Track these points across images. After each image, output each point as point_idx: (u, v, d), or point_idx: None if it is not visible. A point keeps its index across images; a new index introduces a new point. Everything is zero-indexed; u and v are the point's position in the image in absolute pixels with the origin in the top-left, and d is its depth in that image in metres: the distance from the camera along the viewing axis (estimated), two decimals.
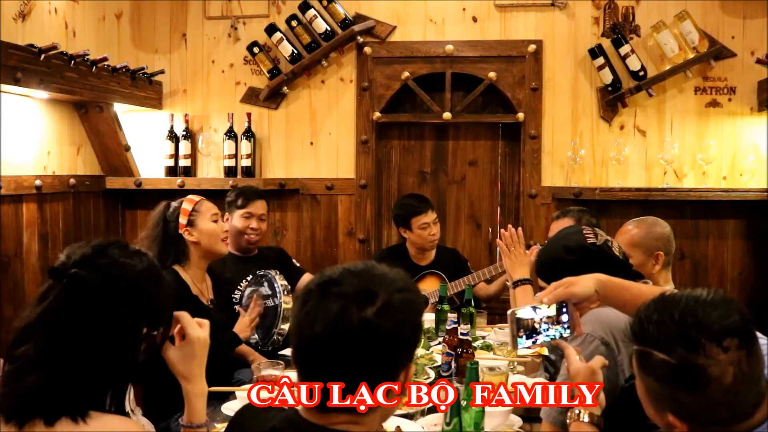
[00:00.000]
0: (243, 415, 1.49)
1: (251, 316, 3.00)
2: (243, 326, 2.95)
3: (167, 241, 2.86)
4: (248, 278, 3.46)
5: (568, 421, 1.70)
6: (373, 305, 1.22)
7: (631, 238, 2.75)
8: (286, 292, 3.04)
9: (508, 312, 1.78)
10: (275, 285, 3.16)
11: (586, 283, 1.78)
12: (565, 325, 1.78)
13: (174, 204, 2.94)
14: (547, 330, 1.76)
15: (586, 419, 1.66)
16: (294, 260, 3.72)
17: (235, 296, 3.38)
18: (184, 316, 1.58)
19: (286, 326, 2.95)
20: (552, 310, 1.77)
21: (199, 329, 1.60)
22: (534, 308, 1.76)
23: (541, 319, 1.76)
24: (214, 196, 3.24)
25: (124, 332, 1.36)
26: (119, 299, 1.34)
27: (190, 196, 2.96)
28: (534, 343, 1.78)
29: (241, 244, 3.50)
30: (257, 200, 3.52)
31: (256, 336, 3.21)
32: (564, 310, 1.77)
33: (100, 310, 1.32)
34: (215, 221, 2.93)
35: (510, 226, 3.15)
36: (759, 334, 1.41)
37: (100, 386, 1.35)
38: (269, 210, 3.70)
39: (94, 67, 3.63)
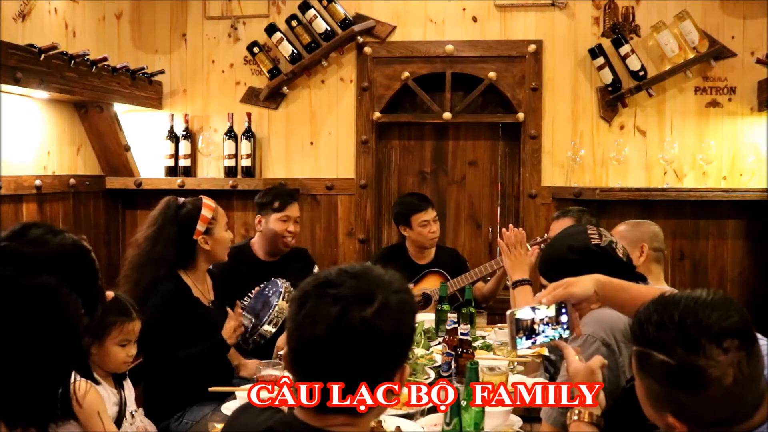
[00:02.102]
0: (239, 415, 1.49)
1: (234, 323, 2.88)
2: (228, 331, 2.85)
3: (180, 244, 2.82)
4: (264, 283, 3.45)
5: (567, 421, 1.70)
6: (372, 306, 1.23)
7: (619, 233, 2.80)
8: (284, 298, 3.01)
9: (507, 313, 1.78)
10: (279, 290, 3.15)
11: (585, 283, 1.78)
12: (565, 326, 1.78)
13: (188, 205, 2.87)
14: (546, 331, 1.76)
15: (586, 419, 1.66)
16: (316, 268, 3.63)
17: (244, 303, 3.37)
18: None
19: (270, 328, 2.92)
20: (551, 311, 1.76)
21: None
22: (533, 309, 1.76)
23: (540, 320, 1.76)
24: (214, 196, 3.23)
25: (64, 305, 1.23)
26: (53, 268, 1.25)
27: (206, 201, 2.90)
28: (533, 343, 1.78)
29: (277, 246, 3.50)
30: (293, 203, 3.54)
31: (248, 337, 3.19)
32: (563, 310, 1.77)
33: (36, 279, 1.22)
34: (226, 230, 2.95)
35: (512, 225, 3.15)
36: (759, 335, 1.41)
37: (47, 377, 1.21)
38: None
39: (94, 67, 3.63)
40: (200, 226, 2.84)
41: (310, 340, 1.23)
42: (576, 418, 1.67)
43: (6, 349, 1.15)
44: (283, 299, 3.02)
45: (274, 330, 3.01)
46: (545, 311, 1.76)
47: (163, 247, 2.80)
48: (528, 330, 1.75)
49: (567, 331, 1.78)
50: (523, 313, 1.76)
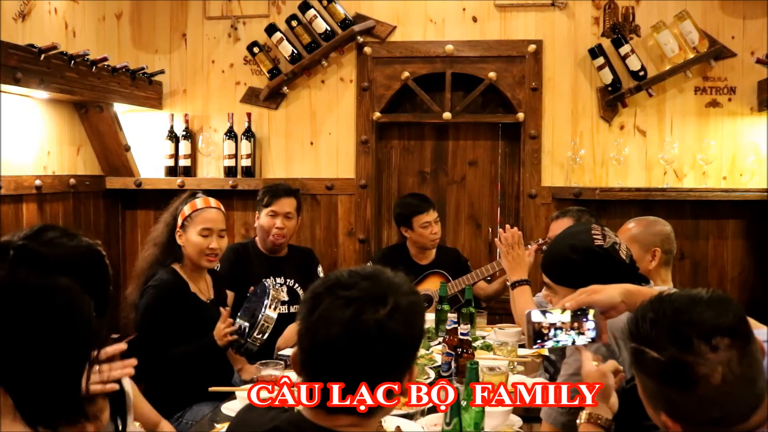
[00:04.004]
0: (245, 415, 1.49)
1: (223, 325, 2.79)
2: (218, 333, 2.77)
3: (172, 233, 2.86)
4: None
5: (578, 421, 1.68)
6: (385, 308, 1.25)
7: (631, 233, 2.76)
8: (273, 306, 2.96)
9: (525, 312, 1.77)
10: (268, 297, 3.10)
11: (610, 292, 1.74)
12: (579, 332, 1.75)
13: (187, 198, 2.91)
14: (558, 335, 1.74)
15: (597, 421, 1.64)
16: (320, 269, 3.61)
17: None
18: None
19: (260, 336, 2.89)
20: (566, 316, 1.74)
21: None
22: (548, 312, 1.75)
23: (552, 324, 1.74)
24: (215, 196, 3.21)
25: (79, 306, 1.23)
26: (68, 270, 1.25)
27: (197, 200, 2.89)
28: (543, 346, 1.77)
29: (267, 243, 3.45)
30: (283, 198, 3.43)
31: (244, 340, 3.13)
32: (588, 316, 1.75)
33: (53, 279, 1.21)
34: (204, 236, 2.82)
35: (508, 226, 3.15)
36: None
37: (61, 376, 1.20)
38: None
39: (94, 67, 3.63)
40: (179, 220, 2.86)
41: (324, 341, 1.24)
42: (586, 420, 1.66)
43: (22, 347, 1.15)
44: (271, 308, 2.95)
45: (263, 338, 2.96)
46: (559, 315, 1.74)
47: (163, 232, 2.89)
48: (542, 332, 1.74)
49: (581, 337, 1.75)
50: (539, 316, 1.74)
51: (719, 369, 1.25)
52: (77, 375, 1.26)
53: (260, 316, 2.82)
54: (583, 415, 1.67)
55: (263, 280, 3.26)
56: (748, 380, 1.28)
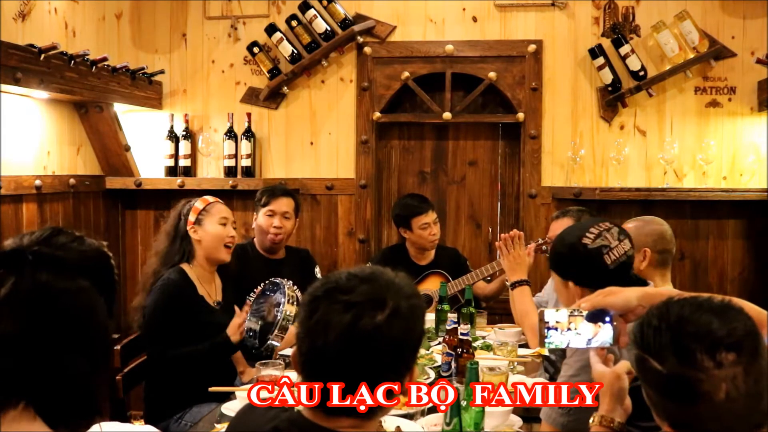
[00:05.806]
0: (244, 415, 1.49)
1: (239, 320, 2.89)
2: (233, 328, 2.85)
3: (176, 237, 2.89)
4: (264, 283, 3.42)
5: (591, 421, 1.67)
6: (383, 312, 1.24)
7: None
8: (291, 302, 2.99)
9: (539, 311, 1.75)
10: (283, 294, 3.12)
11: (626, 296, 1.70)
12: (577, 333, 1.73)
13: (192, 201, 2.97)
14: (552, 336, 1.72)
15: (609, 425, 1.62)
16: (317, 269, 3.61)
17: (250, 297, 3.36)
18: None
19: (281, 333, 2.91)
20: (562, 315, 1.72)
21: None
22: (557, 312, 1.73)
23: (547, 322, 1.72)
24: (214, 196, 3.22)
25: (97, 307, 1.24)
26: (81, 272, 1.26)
27: (206, 197, 2.99)
28: (552, 345, 1.74)
29: (265, 243, 3.47)
30: (281, 197, 3.47)
31: (256, 341, 3.15)
32: (607, 318, 1.73)
33: (73, 282, 1.21)
34: (223, 224, 2.91)
35: (515, 230, 3.14)
36: None
37: (86, 377, 1.20)
38: None
39: (94, 67, 3.63)
40: (191, 216, 2.90)
41: (322, 346, 1.24)
42: (597, 422, 1.62)
43: (47, 350, 1.15)
44: (289, 304, 2.99)
45: (284, 334, 3.00)
46: (555, 314, 1.72)
47: (163, 240, 2.93)
48: (553, 331, 1.73)
49: (580, 338, 1.73)
50: (552, 315, 1.72)
51: (723, 386, 1.20)
52: (96, 374, 1.26)
53: (279, 314, 2.86)
54: (596, 417, 1.64)
55: (273, 278, 3.26)
56: (754, 397, 1.23)
